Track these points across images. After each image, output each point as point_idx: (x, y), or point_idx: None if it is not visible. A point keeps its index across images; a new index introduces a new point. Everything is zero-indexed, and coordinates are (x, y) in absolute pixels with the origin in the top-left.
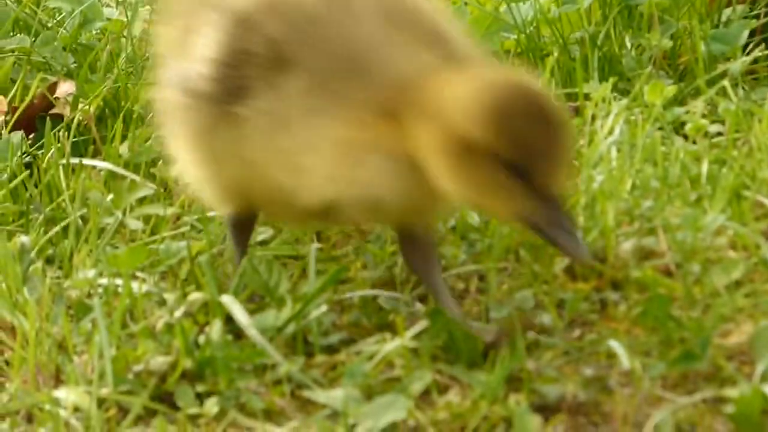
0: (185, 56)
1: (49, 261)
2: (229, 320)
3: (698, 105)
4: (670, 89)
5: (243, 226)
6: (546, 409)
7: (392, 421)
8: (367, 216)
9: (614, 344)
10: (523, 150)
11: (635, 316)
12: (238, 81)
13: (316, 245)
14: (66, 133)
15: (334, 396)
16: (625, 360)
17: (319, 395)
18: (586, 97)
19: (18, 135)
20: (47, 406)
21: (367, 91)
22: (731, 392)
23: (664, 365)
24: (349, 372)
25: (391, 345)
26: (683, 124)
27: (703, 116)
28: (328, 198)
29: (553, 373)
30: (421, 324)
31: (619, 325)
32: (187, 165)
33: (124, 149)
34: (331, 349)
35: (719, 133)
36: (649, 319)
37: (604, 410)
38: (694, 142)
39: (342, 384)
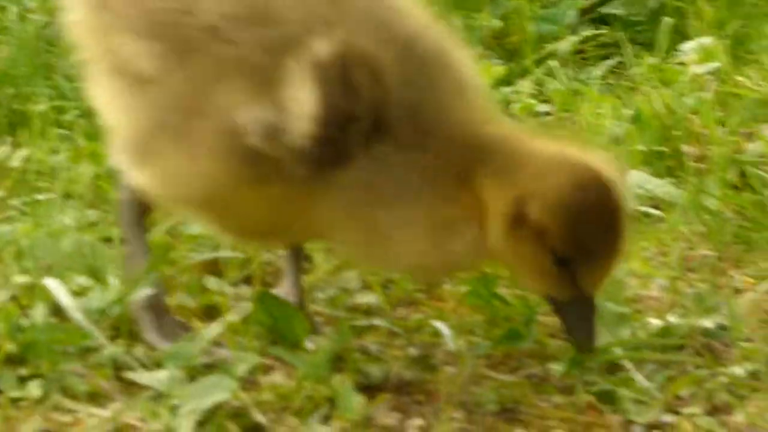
0: (268, 102)
1: None
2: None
3: (526, 85)
4: (499, 69)
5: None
6: (370, 389)
7: (216, 402)
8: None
9: (439, 324)
10: (577, 247)
11: (461, 296)
12: (341, 146)
13: None
14: None
15: (158, 377)
16: (450, 340)
17: (143, 377)
18: None
19: None
20: None
21: (446, 156)
22: (555, 369)
23: (489, 344)
24: (173, 353)
25: (215, 326)
26: (511, 103)
27: (532, 96)
28: (411, 266)
29: (378, 353)
30: (246, 306)
31: (445, 305)
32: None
33: None
34: None
35: (547, 113)
36: (475, 299)
37: (428, 389)
38: (523, 121)
39: (166, 366)
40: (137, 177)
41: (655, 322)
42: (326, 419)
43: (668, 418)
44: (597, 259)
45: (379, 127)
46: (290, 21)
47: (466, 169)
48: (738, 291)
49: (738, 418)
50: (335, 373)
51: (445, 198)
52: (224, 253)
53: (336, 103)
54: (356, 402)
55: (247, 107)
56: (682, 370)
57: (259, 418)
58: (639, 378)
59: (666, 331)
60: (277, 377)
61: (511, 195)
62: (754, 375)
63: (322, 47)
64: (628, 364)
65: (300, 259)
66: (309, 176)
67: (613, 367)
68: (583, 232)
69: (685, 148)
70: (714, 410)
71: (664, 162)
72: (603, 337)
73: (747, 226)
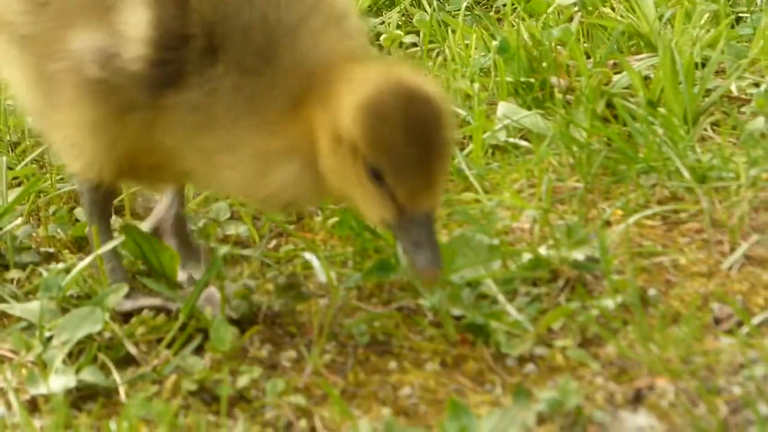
0: (103, 29)
1: None
2: None
3: (393, 16)
4: (365, 0)
5: (106, 197)
6: (243, 321)
7: (88, 334)
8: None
9: (310, 256)
10: (383, 154)
11: (331, 227)
12: (176, 67)
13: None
14: None
15: (29, 309)
16: (320, 272)
17: (15, 308)
18: None
19: None
20: None
21: (280, 84)
22: (426, 302)
23: (359, 276)
24: (45, 285)
25: (87, 258)
26: (379, 35)
27: (398, 27)
28: (240, 195)
29: (250, 285)
30: (117, 238)
31: (316, 236)
32: (64, 126)
33: None
34: (27, 263)
35: (414, 44)
36: (345, 230)
37: (300, 321)
38: (390, 53)
39: (38, 297)
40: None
41: (527, 254)
42: (199, 351)
43: (540, 350)
44: (408, 170)
45: (214, 49)
46: None
47: (299, 99)
48: (608, 223)
49: (609, 350)
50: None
51: (271, 128)
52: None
53: (168, 23)
54: (229, 334)
55: (82, 37)
56: (554, 302)
57: (132, 349)
58: (511, 311)
59: (537, 263)
60: (149, 309)
61: (330, 116)
62: (624, 307)
63: None
64: (499, 297)
65: (179, 193)
66: (148, 101)
67: (484, 300)
68: (388, 137)
69: (553, 79)
70: (586, 342)
71: (533, 93)
72: (474, 269)
73: (615, 157)
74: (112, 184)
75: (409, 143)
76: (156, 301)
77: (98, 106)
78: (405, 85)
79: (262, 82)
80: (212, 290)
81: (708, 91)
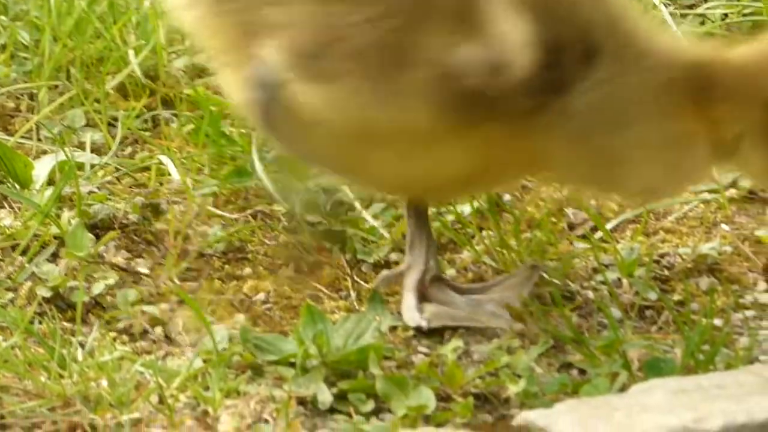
0: (479, 40)
1: None
2: None
3: None
4: None
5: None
6: (98, 227)
7: None
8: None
9: (166, 161)
10: None
11: (187, 134)
12: (560, 71)
13: None
14: None
15: None
16: (176, 177)
17: None
18: None
19: None
20: None
21: (670, 76)
22: (282, 208)
23: (216, 182)
24: None
25: None
26: None
27: None
28: (641, 188)
29: (105, 192)
30: None
31: (172, 143)
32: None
33: None
34: None
35: None
36: (201, 137)
37: (156, 228)
38: None
39: None
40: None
41: None
42: (55, 258)
43: (395, 256)
44: None
45: (590, 51)
46: None
47: (683, 86)
48: None
49: (465, 255)
50: (64, 212)
51: (673, 116)
52: None
53: (549, 28)
54: (85, 240)
55: (461, 48)
56: None
57: None
58: (367, 217)
59: None
60: (3, 216)
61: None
62: (480, 212)
63: None
64: (356, 204)
65: None
66: (530, 109)
67: (341, 207)
68: None
69: None
70: (441, 248)
71: None
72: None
73: None
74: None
75: None
76: None
77: (463, 115)
78: None
79: (645, 76)
80: None
81: None
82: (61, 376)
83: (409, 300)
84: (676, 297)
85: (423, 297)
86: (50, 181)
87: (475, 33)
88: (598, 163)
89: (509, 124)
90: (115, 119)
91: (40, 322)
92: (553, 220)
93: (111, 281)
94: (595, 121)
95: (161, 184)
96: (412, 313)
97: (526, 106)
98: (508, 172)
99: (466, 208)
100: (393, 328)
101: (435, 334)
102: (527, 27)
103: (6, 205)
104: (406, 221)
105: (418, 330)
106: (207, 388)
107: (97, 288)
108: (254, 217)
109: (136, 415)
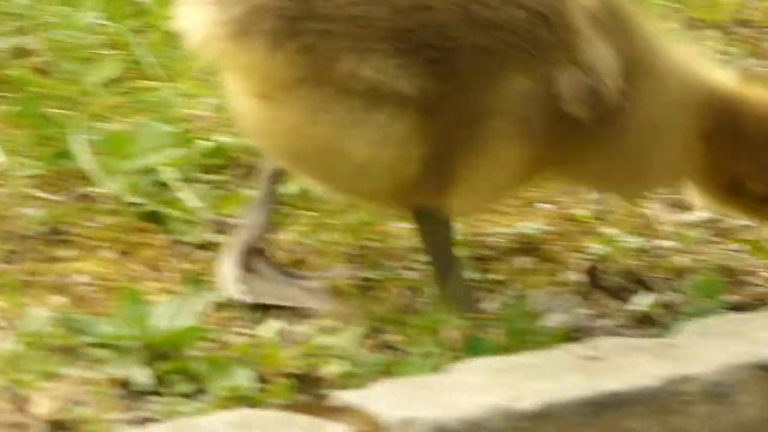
0: (573, 67)
1: None
2: None
3: None
4: None
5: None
6: None
7: None
8: None
9: None
10: None
11: (10, 115)
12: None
13: None
14: None
15: None
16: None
17: None
18: None
19: None
20: None
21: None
22: (100, 190)
23: (38, 164)
24: None
25: None
26: None
27: None
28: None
29: None
30: None
31: None
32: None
33: None
34: None
35: None
36: (23, 118)
37: None
38: None
39: None
40: None
41: (205, 142)
42: None
43: (216, 237)
44: None
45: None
46: None
47: (704, 114)
48: None
49: (288, 236)
50: None
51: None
52: None
53: (616, 51)
54: None
55: (562, 75)
56: (232, 190)
57: None
58: (187, 198)
59: (217, 151)
60: None
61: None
62: (303, 194)
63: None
64: (177, 185)
65: None
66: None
67: (162, 188)
68: None
69: None
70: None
71: None
72: (152, 157)
73: None
74: None
75: None
76: None
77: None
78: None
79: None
80: None
81: None
82: None
83: (230, 269)
84: (499, 276)
85: (246, 268)
86: None
87: (570, 60)
88: (630, 176)
89: (573, 141)
90: None
91: None
92: None
93: None
94: (636, 139)
95: None
96: (233, 285)
97: (597, 126)
98: (534, 180)
99: (292, 188)
100: (215, 308)
101: (256, 312)
102: (612, 52)
103: None
104: (260, 184)
105: (239, 307)
106: (24, 371)
107: None
108: (76, 199)
109: None
